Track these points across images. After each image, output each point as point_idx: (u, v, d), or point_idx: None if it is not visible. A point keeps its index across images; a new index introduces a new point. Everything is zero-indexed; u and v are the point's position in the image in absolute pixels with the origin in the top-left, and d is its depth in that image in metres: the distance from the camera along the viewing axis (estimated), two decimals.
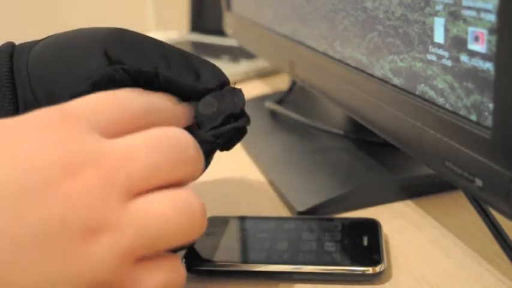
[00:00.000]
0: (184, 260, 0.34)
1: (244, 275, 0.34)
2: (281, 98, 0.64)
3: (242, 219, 0.39)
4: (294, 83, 0.65)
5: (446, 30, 0.27)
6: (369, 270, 0.32)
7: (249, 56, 0.86)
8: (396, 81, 0.33)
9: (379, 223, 0.37)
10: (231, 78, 0.34)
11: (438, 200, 0.42)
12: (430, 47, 0.29)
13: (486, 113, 0.25)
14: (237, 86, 0.34)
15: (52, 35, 0.35)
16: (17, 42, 0.35)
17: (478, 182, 0.26)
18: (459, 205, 0.41)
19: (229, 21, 0.76)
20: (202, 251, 0.35)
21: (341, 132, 0.51)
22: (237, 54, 0.88)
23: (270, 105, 0.61)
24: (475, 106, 0.26)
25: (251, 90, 0.71)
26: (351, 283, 0.33)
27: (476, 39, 0.25)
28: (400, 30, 0.32)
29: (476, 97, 0.26)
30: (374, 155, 0.46)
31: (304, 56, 0.47)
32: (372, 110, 0.36)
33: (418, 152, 0.31)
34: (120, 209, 0.23)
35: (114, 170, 0.23)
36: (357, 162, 0.46)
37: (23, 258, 0.22)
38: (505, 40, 0.23)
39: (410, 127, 0.31)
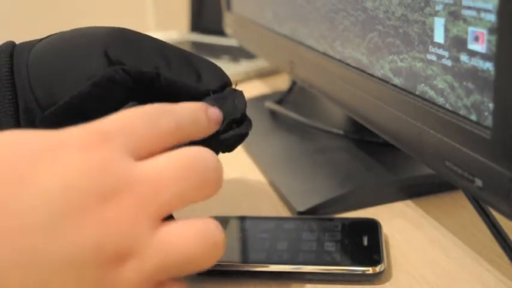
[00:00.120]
0: None
1: (244, 275, 0.34)
2: (281, 98, 0.64)
3: (242, 219, 0.39)
4: (294, 83, 0.65)
5: (446, 30, 0.27)
6: (369, 270, 0.32)
7: (249, 56, 0.86)
8: (396, 81, 0.33)
9: (379, 223, 0.37)
10: (231, 78, 0.34)
11: (438, 200, 0.42)
12: (430, 47, 0.29)
13: (486, 113, 0.25)
14: (238, 87, 0.34)
15: (52, 35, 0.35)
16: (17, 42, 0.35)
17: (478, 182, 0.26)
18: (459, 205, 0.41)
19: (229, 21, 0.76)
20: None
21: (341, 132, 0.51)
22: (237, 54, 0.88)
23: (270, 105, 0.61)
24: (475, 106, 0.26)
25: (251, 90, 0.71)
26: (351, 283, 0.33)
27: (476, 39, 0.25)
28: (400, 30, 0.32)
29: (476, 97, 0.26)
30: (374, 155, 0.46)
31: (304, 56, 0.47)
32: (372, 110, 0.36)
33: (418, 152, 0.31)
34: (149, 235, 0.24)
35: (146, 196, 0.24)
36: (357, 162, 0.46)
37: (56, 280, 0.22)
38: (505, 40, 0.23)
39: (410, 127, 0.31)
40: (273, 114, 0.61)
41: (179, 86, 0.32)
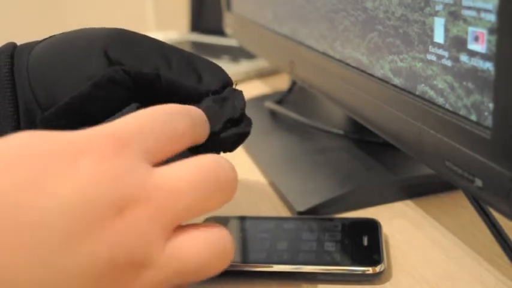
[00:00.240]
0: None
1: (244, 275, 0.34)
2: (281, 98, 0.64)
3: (242, 219, 0.39)
4: (294, 83, 0.65)
5: (446, 30, 0.27)
6: (369, 270, 0.32)
7: (249, 56, 0.86)
8: (396, 81, 0.33)
9: (379, 223, 0.37)
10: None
11: (438, 200, 0.42)
12: (430, 47, 0.29)
13: (486, 113, 0.25)
14: (238, 87, 0.34)
15: (52, 36, 0.35)
16: (17, 43, 0.35)
17: (478, 182, 0.26)
18: (459, 205, 0.41)
19: (229, 21, 0.76)
20: None
21: (341, 132, 0.51)
22: (237, 54, 0.88)
23: (270, 105, 0.61)
24: (475, 106, 0.26)
25: (251, 90, 0.71)
26: (351, 283, 0.33)
27: (476, 39, 0.25)
28: (400, 30, 0.32)
29: (476, 97, 0.26)
30: (374, 155, 0.46)
31: (304, 56, 0.47)
32: (372, 110, 0.36)
33: (418, 152, 0.31)
34: (162, 245, 0.24)
35: (162, 207, 0.24)
36: (357, 162, 0.46)
37: None
38: (505, 40, 0.23)
39: (410, 127, 0.31)
40: (273, 114, 0.61)
41: (180, 87, 0.32)
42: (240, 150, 0.54)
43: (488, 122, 0.25)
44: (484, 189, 0.26)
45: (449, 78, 0.28)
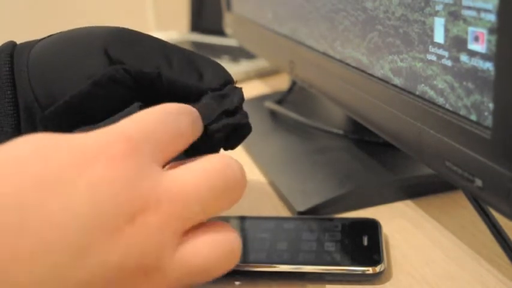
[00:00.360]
0: None
1: (244, 275, 0.34)
2: (281, 98, 0.64)
3: (242, 219, 0.39)
4: (294, 83, 0.65)
5: (446, 30, 0.27)
6: (369, 270, 0.32)
7: (249, 56, 0.86)
8: (396, 81, 0.33)
9: (379, 223, 0.37)
10: None
11: (438, 200, 0.42)
12: (430, 47, 0.29)
13: (486, 113, 0.25)
14: (238, 86, 0.34)
15: (52, 35, 0.35)
16: (17, 42, 0.35)
17: (478, 182, 0.26)
18: (459, 205, 0.41)
19: (229, 21, 0.76)
20: None
21: (341, 132, 0.51)
22: (237, 54, 0.88)
23: (270, 105, 0.61)
24: (475, 106, 0.26)
25: (251, 90, 0.71)
26: (351, 283, 0.33)
27: (476, 39, 0.25)
28: (400, 30, 0.32)
29: (476, 97, 0.26)
30: (374, 155, 0.46)
31: (304, 56, 0.47)
32: (372, 110, 0.36)
33: (418, 152, 0.31)
34: (172, 250, 0.23)
35: (172, 213, 0.23)
36: (357, 162, 0.46)
37: None
38: (505, 40, 0.23)
39: (410, 127, 0.31)
40: (273, 114, 0.61)
41: (181, 86, 0.32)
42: (240, 150, 0.54)
43: (488, 122, 0.25)
44: (484, 189, 0.26)
45: (449, 78, 0.28)
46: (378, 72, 0.35)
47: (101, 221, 0.22)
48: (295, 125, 0.56)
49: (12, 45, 0.34)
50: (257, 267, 0.34)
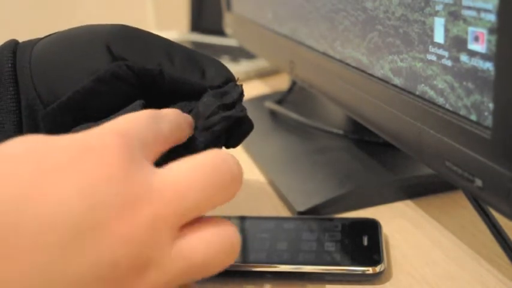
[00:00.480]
0: None
1: (244, 275, 0.34)
2: (281, 98, 0.64)
3: (242, 219, 0.39)
4: (294, 83, 0.65)
5: (446, 30, 0.27)
6: (369, 270, 0.32)
7: (249, 56, 0.86)
8: (396, 81, 0.33)
9: (379, 223, 0.37)
10: None
11: (438, 200, 0.42)
12: (430, 47, 0.29)
13: (486, 113, 0.25)
14: (239, 84, 0.34)
15: (54, 33, 0.35)
16: (19, 40, 0.35)
17: (478, 182, 0.26)
18: (459, 205, 0.41)
19: (229, 21, 0.76)
20: None
21: (341, 132, 0.51)
22: (237, 54, 0.88)
23: (270, 105, 0.61)
24: (475, 106, 0.26)
25: (251, 90, 0.71)
26: (351, 283, 0.33)
27: (476, 39, 0.25)
28: (400, 30, 0.32)
29: (476, 97, 0.26)
30: (374, 155, 0.46)
31: (304, 56, 0.47)
32: (372, 110, 0.36)
33: (418, 152, 0.31)
34: (167, 246, 0.23)
35: (165, 208, 0.23)
36: (357, 162, 0.46)
37: None
38: (505, 40, 0.23)
39: (410, 127, 0.31)
40: (273, 114, 0.61)
41: (183, 83, 0.32)
42: (240, 150, 0.54)
43: (488, 122, 0.25)
44: (484, 189, 0.26)
45: (449, 78, 0.28)
46: (378, 72, 0.35)
47: (92, 219, 0.21)
48: (295, 125, 0.56)
49: (14, 43, 0.34)
50: (257, 267, 0.34)
